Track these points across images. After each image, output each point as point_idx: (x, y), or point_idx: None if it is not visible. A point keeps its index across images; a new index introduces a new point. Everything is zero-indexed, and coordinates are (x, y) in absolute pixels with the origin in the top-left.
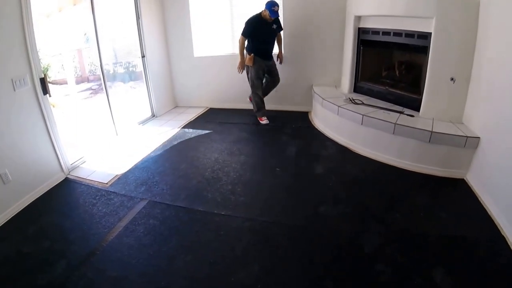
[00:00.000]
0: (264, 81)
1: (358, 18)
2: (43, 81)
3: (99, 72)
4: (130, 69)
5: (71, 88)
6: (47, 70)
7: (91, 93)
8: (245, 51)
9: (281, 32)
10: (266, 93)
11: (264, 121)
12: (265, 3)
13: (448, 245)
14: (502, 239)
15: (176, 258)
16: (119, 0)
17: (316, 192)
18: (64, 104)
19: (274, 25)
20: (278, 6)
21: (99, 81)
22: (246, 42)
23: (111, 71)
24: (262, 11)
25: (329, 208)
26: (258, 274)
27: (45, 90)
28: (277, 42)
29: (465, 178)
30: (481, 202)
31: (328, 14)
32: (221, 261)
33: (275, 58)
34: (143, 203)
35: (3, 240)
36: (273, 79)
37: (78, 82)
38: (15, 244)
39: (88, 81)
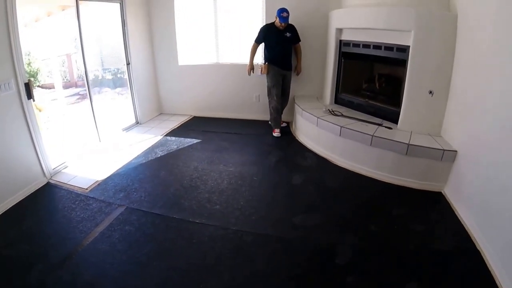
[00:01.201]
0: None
1: (340, 31)
2: (28, 86)
3: (94, 76)
4: (118, 75)
5: (59, 92)
6: (37, 74)
7: (78, 98)
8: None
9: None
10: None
11: (275, 133)
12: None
13: (422, 259)
14: (477, 253)
15: (149, 265)
16: (106, 7)
17: (292, 202)
18: (51, 109)
19: (287, 33)
20: (287, 12)
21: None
22: (264, 50)
23: (100, 77)
24: (275, 19)
25: (304, 219)
26: (228, 284)
27: (29, 95)
28: (296, 53)
29: (442, 192)
30: (458, 215)
31: (311, 26)
32: (193, 269)
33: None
34: (120, 210)
35: None
36: (283, 98)
37: (67, 87)
38: None
39: (76, 86)
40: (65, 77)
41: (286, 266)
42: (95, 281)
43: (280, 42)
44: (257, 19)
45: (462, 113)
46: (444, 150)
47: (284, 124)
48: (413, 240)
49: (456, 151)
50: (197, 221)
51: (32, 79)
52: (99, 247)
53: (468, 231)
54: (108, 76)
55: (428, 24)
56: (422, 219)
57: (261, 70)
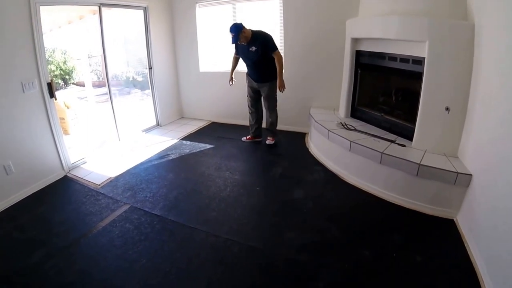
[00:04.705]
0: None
1: (355, 41)
2: (50, 86)
3: (120, 77)
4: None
5: (89, 91)
6: (72, 72)
7: (108, 97)
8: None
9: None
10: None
11: (243, 138)
12: None
13: None
14: None
15: (137, 262)
16: (131, 13)
17: (288, 217)
18: (79, 106)
19: (253, 47)
20: (233, 32)
21: (119, 86)
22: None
23: (131, 79)
24: None
25: (295, 236)
26: None
27: (52, 94)
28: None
29: (455, 219)
30: (468, 250)
31: (330, 35)
32: (175, 272)
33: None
34: (125, 207)
35: None
36: (257, 112)
37: (100, 86)
38: (7, 230)
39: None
40: (100, 76)
41: (263, 283)
42: (86, 271)
43: (245, 57)
44: (275, 27)
45: (480, 133)
46: (458, 173)
47: (246, 139)
48: (409, 272)
49: (471, 175)
50: (191, 226)
51: (67, 76)
52: (98, 241)
53: (476, 270)
54: (139, 78)
55: (442, 34)
56: (425, 248)
57: None
